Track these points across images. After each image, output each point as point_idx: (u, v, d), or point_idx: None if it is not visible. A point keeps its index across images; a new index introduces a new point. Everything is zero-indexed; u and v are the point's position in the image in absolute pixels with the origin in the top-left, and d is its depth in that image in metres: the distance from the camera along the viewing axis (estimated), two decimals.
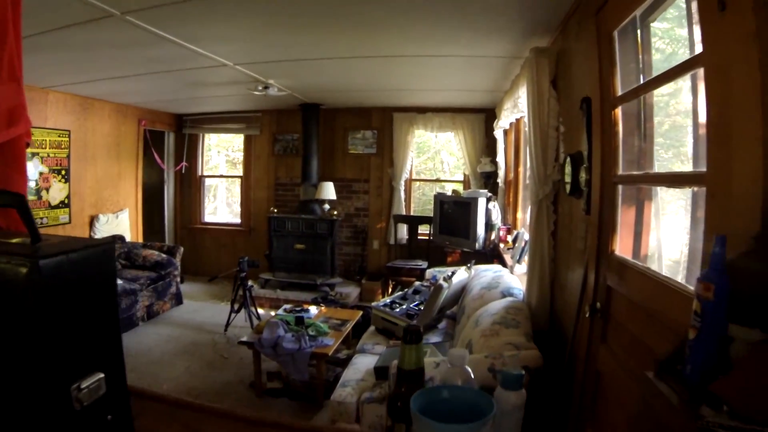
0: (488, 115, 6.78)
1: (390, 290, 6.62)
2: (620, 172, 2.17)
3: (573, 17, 2.84)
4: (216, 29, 3.39)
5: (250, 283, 5.44)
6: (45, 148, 5.58)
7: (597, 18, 2.27)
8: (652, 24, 2.08)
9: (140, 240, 7.14)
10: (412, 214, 7.40)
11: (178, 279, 6.21)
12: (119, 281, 5.15)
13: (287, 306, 4.66)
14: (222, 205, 9.14)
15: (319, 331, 3.81)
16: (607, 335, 2.23)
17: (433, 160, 8.78)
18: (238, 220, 8.15)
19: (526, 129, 3.49)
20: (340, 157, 7.35)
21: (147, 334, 5.32)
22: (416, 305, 3.97)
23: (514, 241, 5.17)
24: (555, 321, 3.21)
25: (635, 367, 1.78)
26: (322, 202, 6.81)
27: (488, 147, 6.84)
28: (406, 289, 4.39)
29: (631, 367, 1.84)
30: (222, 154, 9.38)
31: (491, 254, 5.92)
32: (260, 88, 5.12)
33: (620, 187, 2.18)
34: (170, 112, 7.72)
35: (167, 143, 7.83)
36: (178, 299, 6.22)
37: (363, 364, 3.34)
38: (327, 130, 7.16)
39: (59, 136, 5.78)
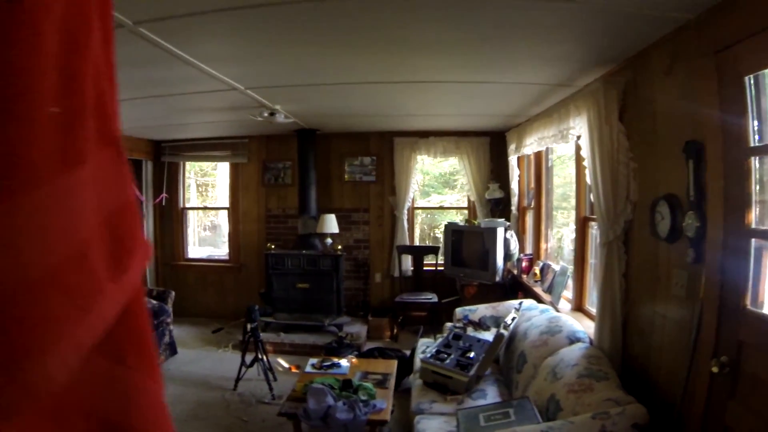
0: (493, 138, 6.84)
1: (396, 328, 6.51)
2: (754, 225, 2.16)
3: (659, 49, 2.84)
4: (233, 47, 3.20)
5: (261, 333, 5.17)
6: None
7: (718, 57, 2.26)
8: None
9: None
10: (415, 244, 7.32)
11: (171, 327, 5.86)
12: None
13: (314, 361, 4.38)
14: (196, 236, 8.83)
15: (370, 393, 3.61)
16: (737, 391, 2.21)
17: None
18: (224, 255, 7.87)
19: (586, 163, 3.47)
20: (337, 186, 7.22)
21: None
22: (464, 354, 3.86)
23: (542, 272, 5.19)
24: (630, 366, 3.19)
25: None
26: (323, 236, 6.65)
27: (493, 172, 6.88)
28: (444, 335, 4.27)
29: None
30: (191, 180, 9.11)
31: (510, 286, 5.91)
32: (266, 114, 4.95)
33: (753, 241, 2.16)
34: (148, 138, 7.39)
35: (145, 173, 7.48)
36: (172, 349, 5.87)
37: (434, 429, 3.19)
38: (322, 156, 7.02)
39: None
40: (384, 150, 7.12)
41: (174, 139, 7.47)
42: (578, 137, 3.90)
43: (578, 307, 4.29)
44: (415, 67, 3.59)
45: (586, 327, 3.70)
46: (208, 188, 9.72)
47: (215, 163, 8.32)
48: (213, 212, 9.47)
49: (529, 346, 3.61)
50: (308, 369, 4.25)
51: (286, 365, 5.68)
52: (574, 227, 4.34)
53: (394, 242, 7.09)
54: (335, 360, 4.38)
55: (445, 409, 3.44)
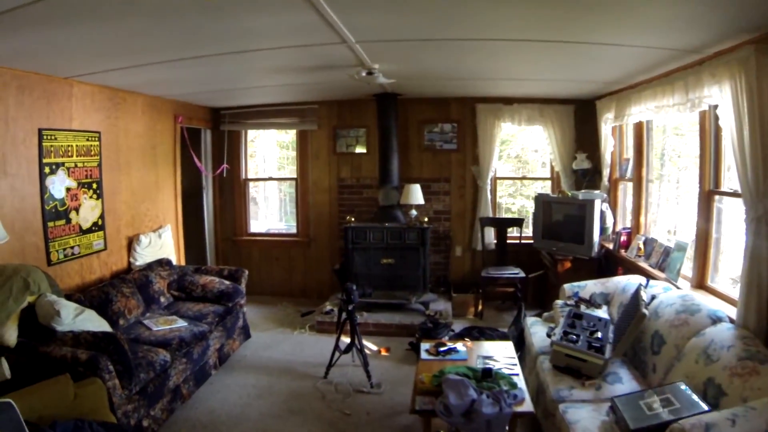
0: (578, 106, 6.74)
1: (481, 304, 6.55)
2: None
3: None
4: None
5: (361, 316, 5.10)
6: (72, 156, 4.77)
7: None
8: None
9: (183, 261, 6.76)
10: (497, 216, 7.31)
11: (245, 310, 5.82)
12: (182, 322, 4.77)
13: (427, 346, 4.25)
14: (265, 211, 8.84)
15: (511, 383, 3.48)
16: None
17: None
18: (291, 229, 7.92)
19: (730, 131, 3.39)
20: (416, 155, 7.19)
21: (228, 387, 4.76)
22: (591, 335, 3.86)
23: (646, 247, 5.14)
24: None
25: None
26: (406, 207, 6.65)
27: (577, 141, 6.79)
28: (564, 315, 4.23)
29: None
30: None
31: (606, 261, 5.88)
32: (363, 73, 4.78)
33: None
34: (206, 105, 7.37)
35: (204, 143, 7.49)
36: (246, 334, 5.83)
37: (588, 420, 3.16)
38: (400, 123, 6.95)
39: (88, 140, 4.96)
40: (465, 116, 7.05)
41: (235, 105, 7.45)
42: (714, 107, 3.85)
43: (699, 284, 4.24)
44: (527, 20, 3.37)
45: (718, 305, 3.69)
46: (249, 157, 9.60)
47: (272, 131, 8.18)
48: (256, 184, 9.25)
49: (666, 325, 3.59)
50: (424, 356, 4.12)
51: (374, 348, 5.64)
52: (698, 201, 4.26)
53: (476, 214, 7.07)
54: (450, 344, 4.27)
55: (585, 396, 3.43)
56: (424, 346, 4.32)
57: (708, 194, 4.16)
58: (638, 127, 5.45)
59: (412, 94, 6.73)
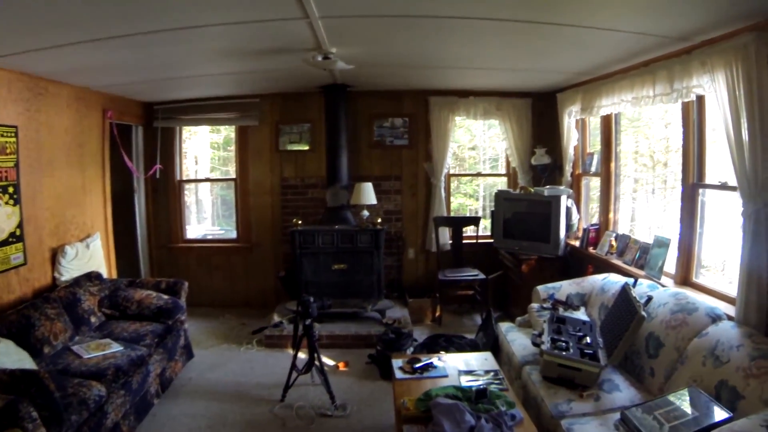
0: (536, 100, 6.75)
1: (439, 309, 6.40)
2: None
3: None
4: None
5: (317, 330, 4.76)
6: None
7: None
8: None
9: (114, 274, 6.20)
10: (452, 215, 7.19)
11: (186, 326, 5.34)
12: (117, 346, 4.26)
13: (399, 363, 3.96)
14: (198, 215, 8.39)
15: (508, 402, 3.23)
16: None
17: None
18: (228, 234, 7.51)
19: (725, 122, 3.37)
20: (366, 151, 6.95)
21: (174, 419, 4.26)
22: (580, 341, 3.75)
23: (619, 244, 5.14)
24: None
25: None
26: (357, 207, 6.39)
27: (534, 136, 6.78)
28: (549, 322, 4.09)
29: None
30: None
31: (573, 260, 5.87)
32: (319, 58, 4.44)
33: None
34: (138, 100, 6.87)
35: (135, 141, 6.97)
36: (188, 353, 5.36)
37: None
38: (350, 118, 6.70)
39: (2, 136, 4.37)
40: (418, 110, 6.90)
41: (170, 99, 6.99)
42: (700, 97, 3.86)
43: (684, 280, 4.24)
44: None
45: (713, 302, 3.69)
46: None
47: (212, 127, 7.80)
48: (191, 185, 8.86)
49: (662, 326, 3.52)
50: (399, 375, 3.83)
51: (331, 363, 5.31)
52: (681, 194, 4.26)
53: (429, 213, 6.92)
54: (425, 358, 4.01)
55: (586, 408, 3.29)
56: (396, 362, 4.02)
57: (692, 187, 4.16)
58: (606, 120, 5.45)
59: (363, 86, 6.50)
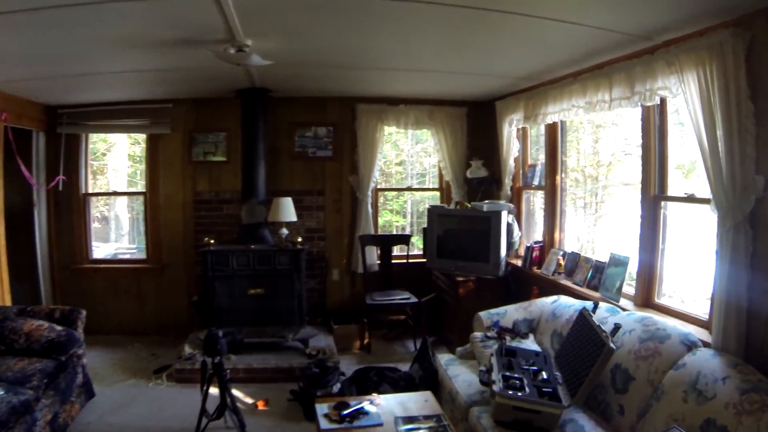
0: (471, 109, 6.54)
1: (367, 336, 5.94)
2: None
3: None
4: None
5: (227, 369, 4.19)
6: None
7: None
8: None
9: (8, 300, 5.33)
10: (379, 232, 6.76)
11: (84, 361, 4.61)
12: None
13: (324, 409, 3.39)
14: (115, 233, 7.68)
15: None
16: None
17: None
18: (141, 254, 6.76)
19: (696, 127, 3.13)
20: (286, 162, 6.44)
21: None
22: (535, 376, 3.35)
23: (567, 263, 4.87)
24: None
25: None
26: (276, 225, 5.84)
27: (470, 148, 6.52)
28: (497, 355, 3.67)
29: None
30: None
31: (515, 281, 5.56)
32: (232, 50, 3.93)
33: None
34: (40, 102, 6.10)
35: (36, 148, 6.22)
36: (88, 392, 4.63)
37: None
38: (269, 126, 6.22)
39: None
40: (344, 119, 6.49)
41: (76, 103, 6.27)
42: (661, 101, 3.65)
43: (646, 302, 3.98)
44: None
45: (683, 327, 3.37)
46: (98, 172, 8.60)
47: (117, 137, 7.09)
48: (107, 200, 8.27)
49: (631, 357, 3.19)
50: (324, 425, 3.27)
51: (249, 401, 4.76)
52: (641, 208, 4.00)
53: (355, 231, 6.48)
54: (354, 402, 3.45)
55: None
56: (321, 408, 3.42)
57: (654, 200, 3.90)
58: (552, 129, 5.19)
59: (284, 91, 6.02)
